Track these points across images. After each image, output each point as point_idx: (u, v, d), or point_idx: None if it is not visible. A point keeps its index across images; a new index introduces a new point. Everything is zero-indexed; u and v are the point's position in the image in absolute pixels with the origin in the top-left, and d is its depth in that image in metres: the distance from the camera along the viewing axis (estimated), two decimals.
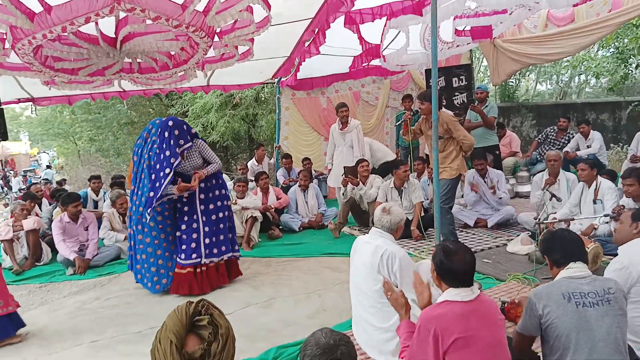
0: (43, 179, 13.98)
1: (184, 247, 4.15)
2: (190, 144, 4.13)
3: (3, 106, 4.84)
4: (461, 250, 2.01)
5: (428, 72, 7.82)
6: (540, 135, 8.00)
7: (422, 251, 4.81)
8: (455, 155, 4.56)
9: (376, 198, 5.66)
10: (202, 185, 4.24)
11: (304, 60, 6.24)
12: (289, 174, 7.71)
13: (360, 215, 6.08)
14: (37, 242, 5.49)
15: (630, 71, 10.15)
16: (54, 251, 5.47)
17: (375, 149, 7.13)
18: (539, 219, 4.45)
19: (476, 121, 6.66)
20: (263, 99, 11.31)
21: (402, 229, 2.89)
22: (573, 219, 4.51)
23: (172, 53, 4.08)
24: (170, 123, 4.03)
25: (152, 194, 3.92)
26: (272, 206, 6.31)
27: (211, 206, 4.28)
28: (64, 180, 11.50)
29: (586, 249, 2.75)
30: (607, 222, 4.22)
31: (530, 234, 4.83)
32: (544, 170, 5.49)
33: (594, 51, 11.49)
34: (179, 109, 11.81)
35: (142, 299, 4.16)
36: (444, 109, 6.00)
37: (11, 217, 5.62)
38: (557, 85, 17.27)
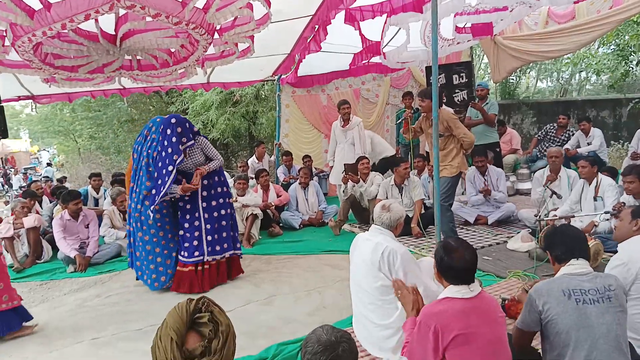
0: (43, 177, 13.95)
1: (186, 245, 4.15)
2: (192, 141, 4.14)
3: (3, 104, 4.81)
4: (462, 247, 2.00)
5: (428, 70, 7.83)
6: (540, 133, 8.00)
7: (422, 248, 4.82)
8: (456, 153, 4.55)
9: (376, 195, 5.67)
10: (205, 182, 4.24)
11: (304, 58, 6.23)
12: (290, 172, 7.71)
13: (360, 213, 6.08)
14: (38, 240, 5.50)
15: (630, 68, 10.15)
16: (55, 249, 5.48)
17: (376, 142, 7.16)
18: (540, 216, 4.46)
19: (477, 118, 6.65)
20: (263, 96, 11.31)
21: (402, 226, 2.90)
22: (573, 216, 4.51)
23: (172, 50, 4.07)
24: (173, 120, 4.03)
25: (153, 191, 3.92)
26: (273, 204, 6.32)
27: (213, 203, 4.27)
28: (65, 177, 11.47)
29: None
30: (607, 219, 4.23)
31: (530, 231, 4.83)
32: (544, 167, 5.50)
33: (594, 48, 11.46)
34: (179, 107, 11.82)
35: (143, 297, 4.17)
36: (444, 107, 6.02)
37: (12, 214, 5.62)
38: (558, 83, 17.23)
